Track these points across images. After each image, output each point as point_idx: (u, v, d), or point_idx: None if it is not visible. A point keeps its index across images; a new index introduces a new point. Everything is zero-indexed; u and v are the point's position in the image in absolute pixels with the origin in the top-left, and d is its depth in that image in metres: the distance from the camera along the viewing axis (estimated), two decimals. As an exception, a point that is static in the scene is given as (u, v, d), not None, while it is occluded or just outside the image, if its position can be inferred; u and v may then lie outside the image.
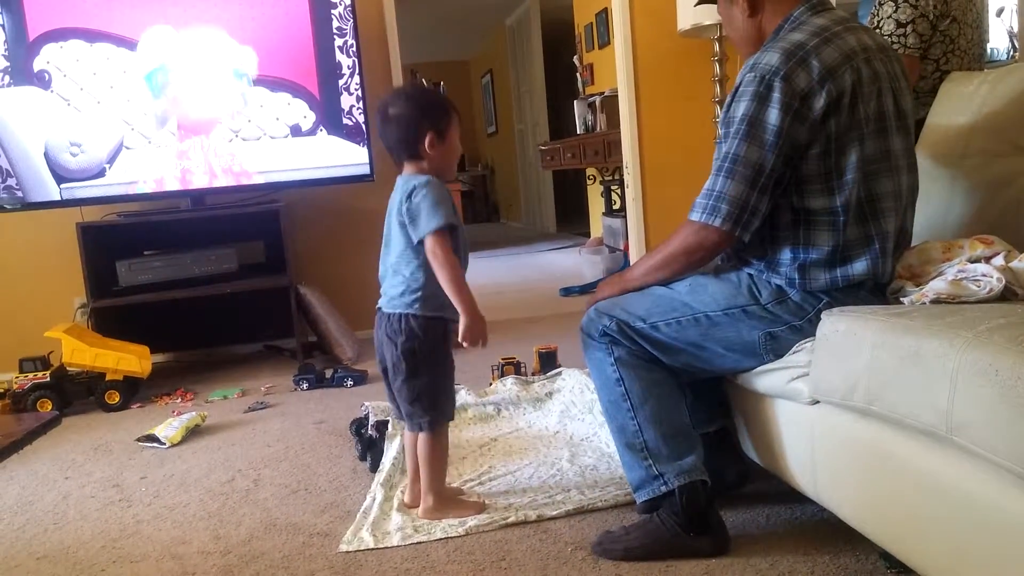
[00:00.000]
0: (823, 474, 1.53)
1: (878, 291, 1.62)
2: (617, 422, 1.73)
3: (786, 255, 1.62)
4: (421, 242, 1.80)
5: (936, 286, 1.48)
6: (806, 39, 1.55)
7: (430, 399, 1.86)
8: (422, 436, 1.89)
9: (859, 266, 1.58)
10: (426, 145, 1.83)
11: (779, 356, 1.62)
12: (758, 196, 1.56)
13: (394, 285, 1.87)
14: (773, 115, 1.53)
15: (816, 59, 1.52)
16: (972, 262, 1.54)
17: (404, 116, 1.84)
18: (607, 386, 1.74)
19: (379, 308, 1.92)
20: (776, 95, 1.52)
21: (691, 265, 1.69)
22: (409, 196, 1.81)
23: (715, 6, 1.82)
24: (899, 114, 1.62)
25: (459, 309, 1.80)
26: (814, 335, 1.52)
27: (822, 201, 1.58)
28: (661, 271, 1.72)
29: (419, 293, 1.83)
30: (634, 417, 1.70)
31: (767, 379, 1.66)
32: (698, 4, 1.97)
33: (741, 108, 1.57)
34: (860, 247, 1.59)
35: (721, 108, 3.98)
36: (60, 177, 3.48)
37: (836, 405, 1.45)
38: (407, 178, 1.86)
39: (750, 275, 1.67)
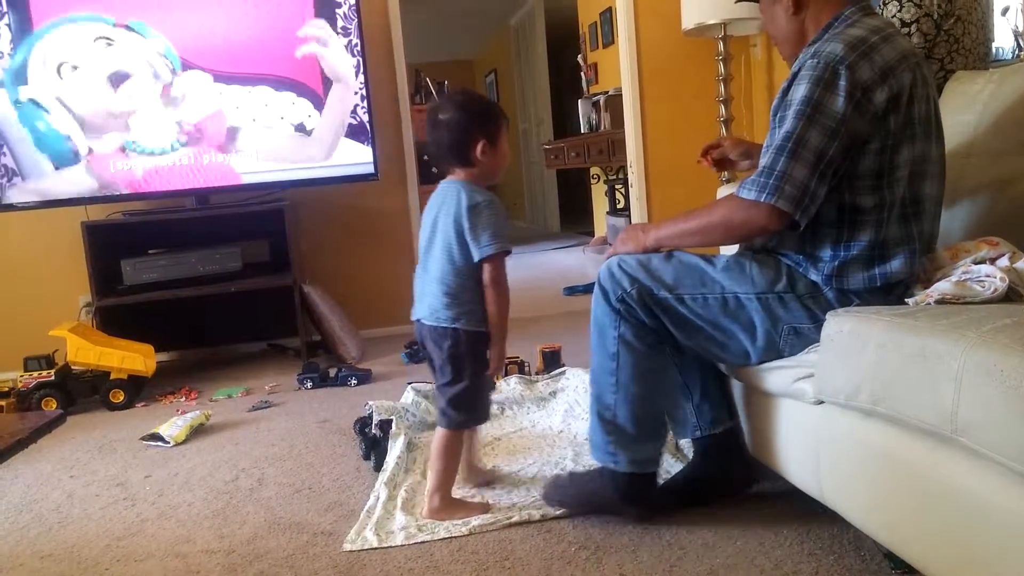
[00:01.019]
0: (828, 474, 1.53)
1: (904, 294, 1.61)
2: (597, 388, 1.77)
3: (827, 252, 1.61)
4: (481, 260, 1.82)
5: (941, 287, 1.47)
6: (867, 35, 1.55)
7: (469, 403, 1.89)
8: (444, 432, 1.90)
9: (896, 264, 1.57)
10: (478, 152, 1.84)
11: (794, 354, 1.62)
12: (818, 182, 1.52)
13: (436, 296, 1.85)
14: (838, 102, 1.50)
15: (878, 55, 1.52)
16: (977, 263, 1.54)
17: (456, 122, 1.84)
18: (602, 353, 1.75)
19: (418, 320, 1.90)
20: (842, 82, 1.50)
21: (727, 240, 1.67)
22: (472, 210, 1.81)
23: (755, 4, 1.82)
24: (938, 120, 1.64)
25: (497, 337, 1.85)
26: None
27: (872, 199, 1.56)
28: (693, 237, 1.69)
29: (465, 307, 1.84)
30: (615, 392, 1.73)
31: (772, 378, 1.65)
32: (739, 1, 1.97)
33: (803, 90, 1.53)
34: (898, 246, 1.58)
35: (725, 107, 4.01)
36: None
37: (841, 405, 1.45)
38: (464, 188, 1.84)
39: (788, 266, 1.65)
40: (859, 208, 1.57)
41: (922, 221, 1.60)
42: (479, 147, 1.83)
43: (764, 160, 1.56)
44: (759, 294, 1.63)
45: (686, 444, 2.08)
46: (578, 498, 1.81)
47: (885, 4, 2.35)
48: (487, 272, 1.82)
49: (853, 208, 1.58)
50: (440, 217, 1.86)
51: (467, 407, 1.89)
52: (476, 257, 1.81)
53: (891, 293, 1.60)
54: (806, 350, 1.60)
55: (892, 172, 1.56)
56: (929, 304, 1.46)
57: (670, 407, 1.79)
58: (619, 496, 1.76)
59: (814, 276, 1.62)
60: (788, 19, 1.71)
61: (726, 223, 1.62)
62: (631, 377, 1.71)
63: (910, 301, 1.52)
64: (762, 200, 1.53)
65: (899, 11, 2.31)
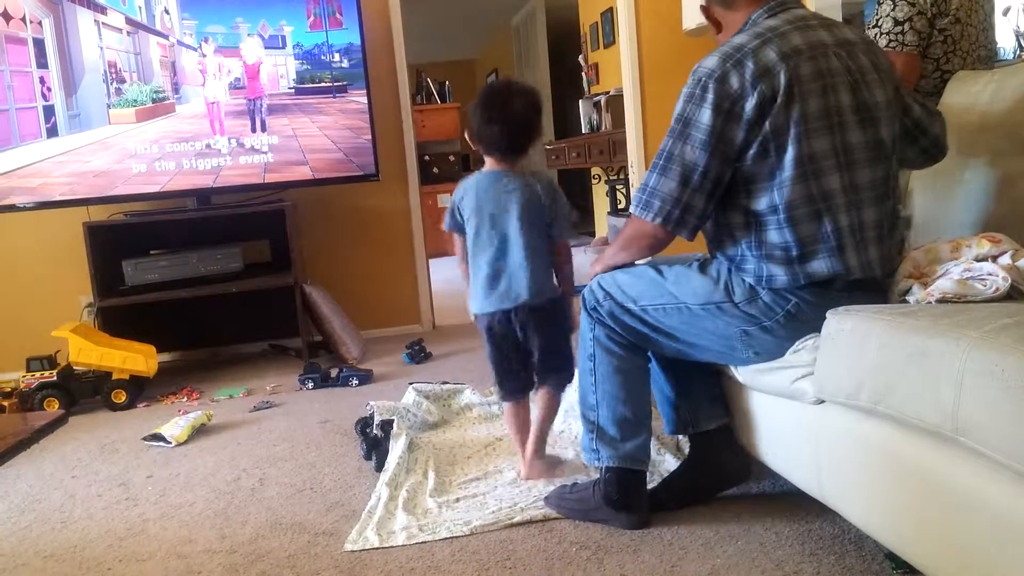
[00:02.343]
0: (828, 474, 1.53)
1: (852, 288, 1.60)
2: (583, 388, 1.87)
3: (747, 254, 1.65)
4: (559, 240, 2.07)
5: (942, 285, 1.47)
6: (746, 41, 1.58)
7: (572, 361, 2.09)
8: (555, 396, 2.11)
9: (817, 264, 1.58)
10: (537, 143, 2.04)
11: (758, 353, 1.66)
12: (692, 194, 1.60)
13: (541, 274, 2.02)
14: (705, 115, 1.57)
15: (752, 60, 1.55)
16: (978, 260, 1.53)
17: (531, 117, 2.00)
18: (583, 355, 1.87)
19: (516, 306, 2.01)
20: (710, 96, 1.56)
21: (642, 251, 1.76)
22: (554, 195, 2.02)
23: None
24: (859, 108, 1.59)
25: (571, 290, 2.09)
26: (784, 337, 1.60)
27: (766, 201, 1.60)
28: (624, 254, 1.81)
29: (552, 281, 2.07)
30: (595, 391, 1.83)
31: (770, 379, 1.65)
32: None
33: (678, 108, 1.62)
34: (815, 244, 1.58)
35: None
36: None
37: (842, 405, 1.45)
38: (523, 176, 2.02)
39: (729, 271, 1.68)
40: (758, 211, 1.62)
41: (839, 215, 1.57)
42: (537, 139, 2.03)
43: (644, 175, 1.67)
44: (703, 304, 1.69)
45: (686, 442, 2.08)
46: (575, 503, 1.86)
47: (880, 3, 2.36)
48: (565, 250, 2.09)
49: (753, 212, 1.62)
50: (512, 203, 1.99)
51: (571, 365, 2.08)
52: (558, 237, 2.05)
53: (829, 288, 1.59)
54: (792, 349, 1.60)
55: (780, 173, 1.57)
56: (930, 303, 1.46)
57: (644, 409, 1.85)
58: (603, 495, 1.80)
59: (748, 279, 1.65)
60: (717, 38, 1.77)
61: (635, 236, 1.73)
62: (606, 374, 1.81)
63: (911, 299, 1.52)
64: (639, 216, 1.67)
65: (892, 10, 2.31)
